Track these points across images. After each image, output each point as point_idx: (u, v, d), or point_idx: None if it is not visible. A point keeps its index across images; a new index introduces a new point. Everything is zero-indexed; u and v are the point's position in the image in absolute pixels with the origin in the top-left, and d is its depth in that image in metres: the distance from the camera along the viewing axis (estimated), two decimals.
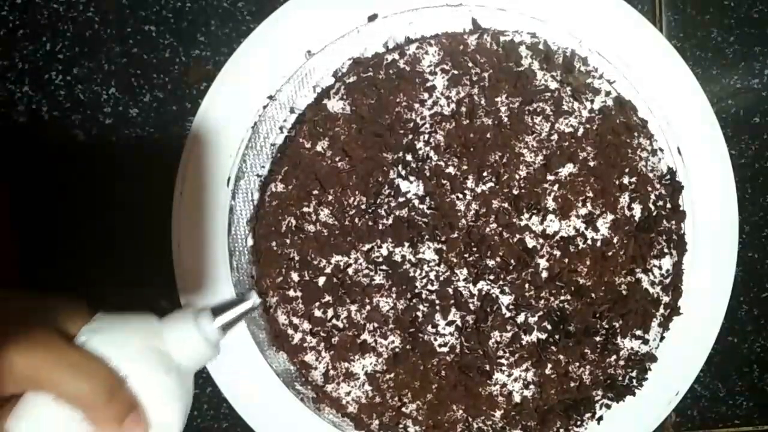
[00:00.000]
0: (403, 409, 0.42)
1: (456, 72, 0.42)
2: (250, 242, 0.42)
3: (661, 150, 0.44)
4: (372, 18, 0.42)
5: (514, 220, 0.42)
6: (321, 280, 0.41)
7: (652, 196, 0.44)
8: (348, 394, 0.42)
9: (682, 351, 0.46)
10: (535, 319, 0.42)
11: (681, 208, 0.44)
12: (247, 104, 0.42)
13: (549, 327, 0.43)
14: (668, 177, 0.44)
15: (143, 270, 0.43)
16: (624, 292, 0.43)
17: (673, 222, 0.44)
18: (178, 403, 0.33)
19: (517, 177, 0.42)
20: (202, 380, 0.45)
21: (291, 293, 0.41)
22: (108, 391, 0.30)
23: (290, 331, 0.42)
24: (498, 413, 0.43)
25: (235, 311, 0.36)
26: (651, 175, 0.44)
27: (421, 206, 0.42)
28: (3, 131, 0.42)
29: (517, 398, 0.43)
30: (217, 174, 0.42)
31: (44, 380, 0.30)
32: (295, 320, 0.42)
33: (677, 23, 0.47)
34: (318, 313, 0.41)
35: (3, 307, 0.32)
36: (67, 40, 0.42)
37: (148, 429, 0.32)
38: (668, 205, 0.44)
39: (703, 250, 0.45)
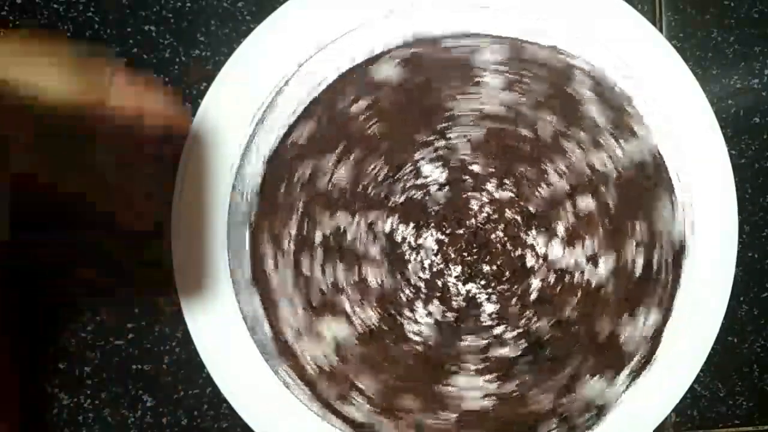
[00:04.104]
0: (360, 384, 0.42)
1: (511, 77, 0.42)
2: (259, 182, 0.42)
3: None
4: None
5: (522, 234, 0.42)
6: (318, 237, 0.41)
7: (656, 254, 0.44)
8: (312, 356, 0.42)
9: (682, 351, 0.45)
10: (513, 335, 0.43)
11: (681, 270, 0.44)
12: (247, 104, 0.42)
13: (523, 347, 0.43)
14: (679, 246, 0.44)
15: (143, 270, 0.43)
16: (605, 335, 0.43)
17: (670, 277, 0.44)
18: None
19: (537, 194, 0.42)
20: (203, 380, 0.45)
21: (285, 245, 0.41)
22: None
23: (272, 275, 0.41)
24: (451, 415, 0.43)
25: None
26: (664, 232, 0.44)
27: (437, 193, 0.42)
28: None
29: (473, 406, 0.43)
30: (217, 173, 0.42)
31: None
32: (282, 267, 0.41)
33: (677, 23, 0.47)
34: (305, 268, 0.41)
35: None
36: None
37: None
38: (670, 264, 0.44)
39: (703, 250, 0.45)
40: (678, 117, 0.44)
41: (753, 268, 0.49)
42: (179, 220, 0.42)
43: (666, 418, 0.47)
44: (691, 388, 0.47)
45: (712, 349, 0.46)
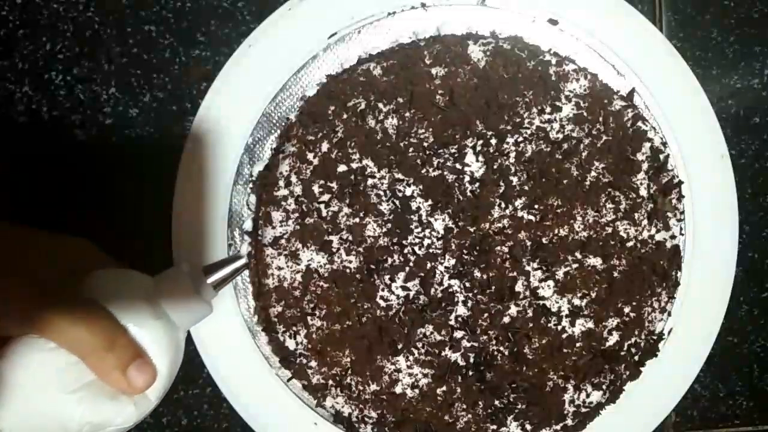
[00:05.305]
0: (309, 319, 0.42)
1: (586, 115, 0.42)
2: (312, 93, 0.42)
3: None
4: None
5: (524, 260, 0.42)
6: (341, 168, 0.41)
7: (635, 339, 0.44)
8: (278, 268, 0.42)
9: (681, 351, 0.46)
10: (468, 345, 0.43)
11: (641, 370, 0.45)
12: (247, 104, 0.42)
13: (472, 360, 0.43)
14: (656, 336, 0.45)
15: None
16: (548, 388, 0.43)
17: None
18: (166, 352, 0.33)
19: (555, 231, 0.43)
20: (203, 380, 0.45)
21: (310, 157, 0.41)
22: (109, 340, 0.30)
23: (281, 183, 0.41)
24: (375, 388, 0.43)
25: (227, 269, 0.36)
26: (647, 321, 0.44)
27: (467, 185, 0.42)
28: (3, 131, 0.42)
29: (398, 389, 0.43)
30: (217, 173, 0.42)
31: (47, 325, 0.29)
32: (294, 179, 0.41)
33: (677, 23, 0.47)
34: (316, 189, 0.41)
35: (17, 245, 0.32)
36: (67, 40, 0.42)
37: (156, 376, 0.32)
38: (636, 359, 0.45)
39: (703, 249, 0.45)
40: (678, 117, 0.44)
41: (753, 268, 0.49)
42: (179, 220, 0.42)
43: (666, 418, 0.47)
44: (691, 388, 0.47)
45: (712, 349, 0.46)
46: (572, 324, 0.43)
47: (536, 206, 0.42)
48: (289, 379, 0.43)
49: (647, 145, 0.44)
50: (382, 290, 0.42)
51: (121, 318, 0.31)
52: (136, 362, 0.31)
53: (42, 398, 0.30)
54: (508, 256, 0.42)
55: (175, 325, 0.34)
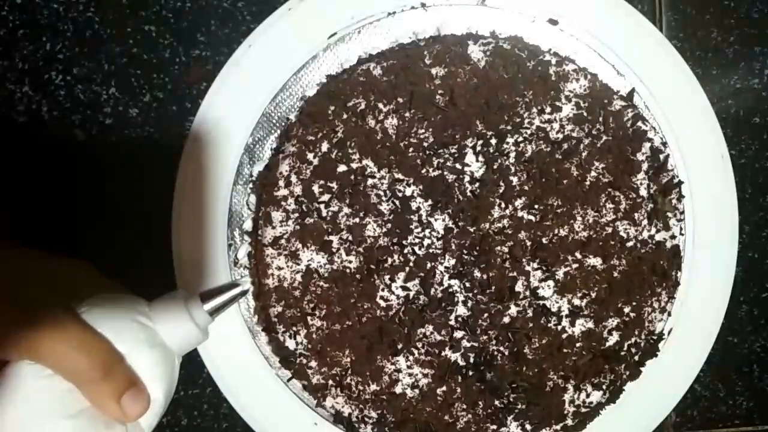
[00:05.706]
0: (309, 319, 0.42)
1: (586, 115, 0.43)
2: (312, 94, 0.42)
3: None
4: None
5: (524, 260, 0.42)
6: (340, 168, 0.41)
7: (635, 339, 0.44)
8: (278, 268, 0.42)
9: (682, 351, 0.46)
10: (468, 345, 0.43)
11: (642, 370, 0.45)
12: (247, 104, 0.42)
13: (472, 360, 0.43)
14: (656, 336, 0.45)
15: (143, 270, 0.43)
16: (548, 388, 0.43)
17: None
18: (162, 380, 0.33)
19: (555, 231, 0.43)
20: (203, 380, 0.45)
21: (310, 157, 0.41)
22: (105, 368, 0.30)
23: (281, 183, 0.41)
24: (375, 388, 0.42)
25: (224, 297, 0.36)
26: (647, 321, 0.44)
27: (467, 185, 0.42)
28: (3, 131, 0.42)
29: (398, 389, 0.43)
30: (217, 173, 0.42)
31: (43, 352, 0.29)
32: (294, 179, 0.41)
33: (677, 23, 0.47)
34: (316, 189, 0.41)
35: (17, 269, 0.32)
36: (67, 40, 0.42)
37: (149, 404, 0.32)
38: (636, 359, 0.45)
39: (703, 249, 0.45)
40: (678, 117, 0.45)
41: (753, 268, 0.49)
42: (179, 220, 0.42)
43: (666, 418, 0.47)
44: (691, 388, 0.47)
45: (712, 349, 0.46)
46: (572, 324, 0.43)
47: (536, 206, 0.42)
48: (289, 379, 0.43)
49: (647, 145, 0.44)
50: (382, 290, 0.42)
51: (117, 345, 0.31)
52: (131, 391, 0.31)
53: (36, 426, 0.30)
54: (508, 256, 0.42)
55: (170, 351, 0.34)
